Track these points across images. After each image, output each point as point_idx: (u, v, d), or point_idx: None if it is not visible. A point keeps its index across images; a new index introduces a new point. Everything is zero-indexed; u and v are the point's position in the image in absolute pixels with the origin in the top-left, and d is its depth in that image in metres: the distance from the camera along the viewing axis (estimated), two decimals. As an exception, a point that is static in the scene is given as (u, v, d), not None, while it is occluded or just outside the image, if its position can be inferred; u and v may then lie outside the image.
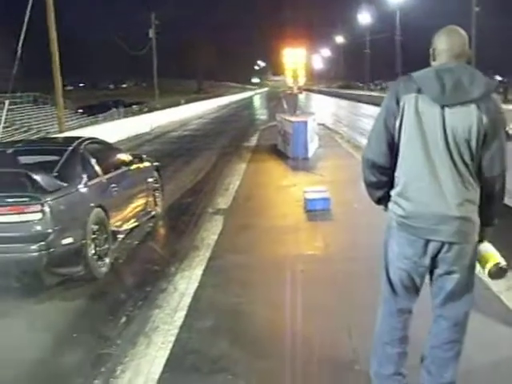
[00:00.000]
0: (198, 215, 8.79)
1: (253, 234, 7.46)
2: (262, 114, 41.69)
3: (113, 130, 24.22)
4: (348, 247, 6.66)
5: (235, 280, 5.72)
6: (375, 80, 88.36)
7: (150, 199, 8.50)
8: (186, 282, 5.66)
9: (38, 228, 5.42)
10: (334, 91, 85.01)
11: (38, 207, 5.39)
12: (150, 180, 8.64)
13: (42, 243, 5.41)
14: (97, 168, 6.81)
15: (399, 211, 2.95)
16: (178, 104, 45.79)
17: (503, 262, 2.97)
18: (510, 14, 66.19)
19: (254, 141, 20.13)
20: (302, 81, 20.65)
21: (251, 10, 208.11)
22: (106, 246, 6.32)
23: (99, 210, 6.28)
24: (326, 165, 13.11)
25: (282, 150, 15.43)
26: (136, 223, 7.68)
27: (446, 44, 2.94)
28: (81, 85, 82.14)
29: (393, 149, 2.95)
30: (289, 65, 19.85)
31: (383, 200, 3.12)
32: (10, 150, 6.95)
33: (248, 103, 70.26)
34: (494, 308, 4.62)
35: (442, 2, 70.18)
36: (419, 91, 2.83)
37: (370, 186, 3.15)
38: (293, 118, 15.37)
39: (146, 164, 8.73)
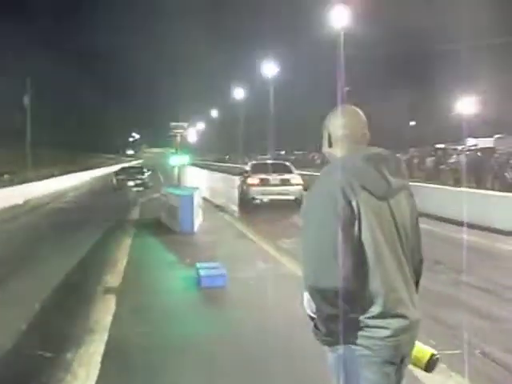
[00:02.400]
0: (88, 294, 8.37)
1: (149, 314, 7.21)
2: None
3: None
4: (252, 327, 6.56)
5: (138, 365, 5.46)
6: (249, 153, 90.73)
7: None
8: (86, 370, 5.31)
9: None
10: (208, 164, 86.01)
11: None
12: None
13: None
14: None
15: (380, 333, 2.41)
16: (51, 175, 44.29)
17: (435, 351, 2.70)
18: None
19: (136, 214, 19.76)
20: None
21: (127, 82, 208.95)
22: None
23: None
24: (213, 239, 13.08)
25: (168, 224, 15.25)
26: None
27: (345, 129, 2.61)
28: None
29: (358, 264, 2.36)
30: (172, 137, 20.09)
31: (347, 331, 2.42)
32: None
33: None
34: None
35: (315, 74, 74.19)
36: (364, 188, 2.41)
37: (328, 320, 2.41)
38: (178, 192, 15.33)
39: None
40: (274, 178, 21.44)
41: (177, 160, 21.34)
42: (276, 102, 62.72)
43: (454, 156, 33.79)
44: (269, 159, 35.62)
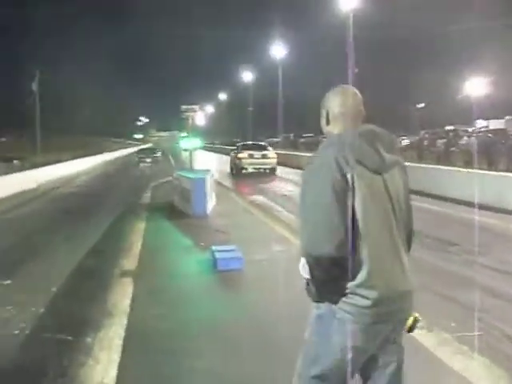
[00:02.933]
0: (104, 278, 8.38)
1: (166, 298, 7.20)
2: (149, 170, 41.25)
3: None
4: (268, 310, 6.53)
5: (157, 349, 5.45)
6: (259, 136, 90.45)
7: None
8: (107, 353, 5.32)
9: None
10: (217, 147, 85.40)
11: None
12: None
13: None
14: None
15: (362, 302, 2.52)
16: (62, 160, 44.32)
17: (417, 314, 2.74)
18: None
19: (147, 198, 19.75)
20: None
21: (136, 67, 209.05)
22: None
23: None
24: (228, 222, 13.04)
25: (180, 207, 15.24)
26: None
27: (342, 107, 2.75)
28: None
29: (350, 234, 2.48)
30: (183, 120, 20.16)
31: (335, 295, 2.58)
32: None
33: (133, 159, 69.43)
34: (430, 363, 4.68)
35: (323, 57, 73.79)
36: (359, 162, 2.54)
37: (323, 286, 2.57)
38: (191, 175, 15.30)
39: None
40: (257, 153, 30.79)
41: (188, 143, 21.35)
42: (285, 85, 62.52)
43: (465, 138, 33.50)
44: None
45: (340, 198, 2.48)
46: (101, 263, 9.48)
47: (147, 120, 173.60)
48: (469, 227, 11.84)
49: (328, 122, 2.81)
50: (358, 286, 2.52)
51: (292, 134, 76.21)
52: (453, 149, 33.55)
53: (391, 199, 2.63)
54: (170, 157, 53.39)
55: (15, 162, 43.51)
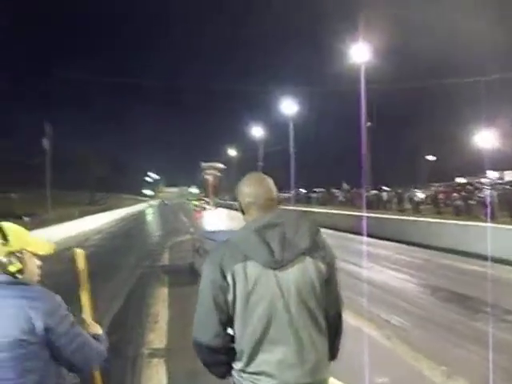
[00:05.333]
0: (132, 358, 7.53)
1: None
2: (162, 228, 40.63)
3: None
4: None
5: None
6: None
7: None
8: None
9: None
10: (228, 203, 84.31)
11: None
12: None
13: None
14: None
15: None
16: (72, 217, 43.69)
17: None
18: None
19: (166, 259, 19.06)
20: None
21: (143, 123, 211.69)
22: None
23: None
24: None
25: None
26: None
27: (250, 197, 2.82)
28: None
29: (226, 326, 2.66)
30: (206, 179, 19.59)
31: (228, 372, 2.75)
32: None
33: (144, 216, 68.95)
34: None
35: (332, 112, 74.11)
36: (246, 258, 2.59)
37: (210, 366, 2.79)
38: (214, 236, 14.61)
39: None
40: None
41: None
42: (296, 140, 62.49)
43: (488, 191, 32.65)
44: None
45: (218, 296, 2.60)
46: (126, 338, 8.65)
47: (157, 177, 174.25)
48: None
49: (243, 212, 2.88)
50: (240, 371, 2.64)
51: (303, 189, 75.84)
52: (471, 202, 32.79)
53: (283, 296, 2.60)
54: (182, 215, 52.71)
55: (25, 219, 42.86)
